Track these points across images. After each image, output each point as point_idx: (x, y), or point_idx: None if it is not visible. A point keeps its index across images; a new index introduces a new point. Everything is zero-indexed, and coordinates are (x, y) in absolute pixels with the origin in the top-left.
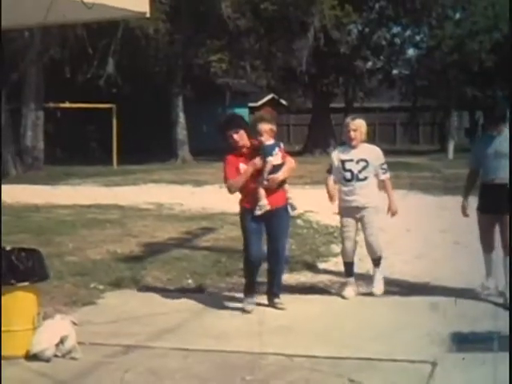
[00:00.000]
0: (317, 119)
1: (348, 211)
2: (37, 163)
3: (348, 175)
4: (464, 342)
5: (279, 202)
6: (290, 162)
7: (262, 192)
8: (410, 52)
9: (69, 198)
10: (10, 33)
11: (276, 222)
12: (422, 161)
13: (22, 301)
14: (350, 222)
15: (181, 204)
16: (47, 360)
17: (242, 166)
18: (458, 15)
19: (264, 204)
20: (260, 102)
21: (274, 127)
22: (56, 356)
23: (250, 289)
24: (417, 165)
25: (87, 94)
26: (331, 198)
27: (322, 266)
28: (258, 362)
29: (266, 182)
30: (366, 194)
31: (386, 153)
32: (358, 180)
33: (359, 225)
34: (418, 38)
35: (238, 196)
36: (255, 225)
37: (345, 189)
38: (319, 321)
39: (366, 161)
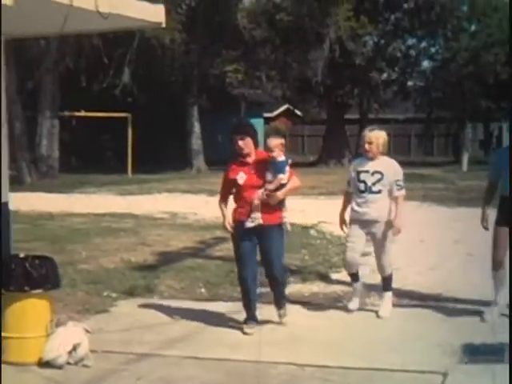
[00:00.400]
0: (331, 130)
1: (357, 223)
2: (52, 171)
3: (362, 186)
4: (475, 353)
5: (272, 220)
6: (294, 181)
7: (257, 204)
8: (425, 64)
9: (83, 206)
10: (27, 41)
11: (268, 241)
12: (436, 172)
13: (35, 308)
14: (356, 233)
15: (195, 213)
16: (60, 367)
17: (241, 175)
18: (473, 27)
19: (257, 217)
20: (275, 113)
21: (283, 141)
22: (68, 363)
23: (248, 307)
24: (431, 176)
25: (103, 103)
26: (341, 224)
27: (334, 276)
28: (269, 371)
29: (266, 197)
30: (378, 207)
31: (401, 164)
32: (371, 192)
33: (369, 238)
34: (433, 49)
35: None
36: (248, 240)
37: (358, 200)
38: (331, 331)
39: (381, 173)
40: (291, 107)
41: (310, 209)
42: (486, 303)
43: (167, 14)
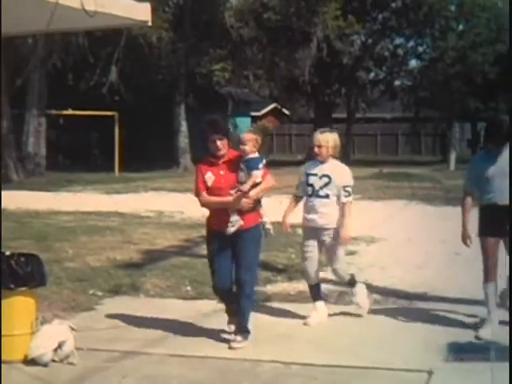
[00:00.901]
0: (318, 129)
1: (309, 230)
2: (39, 169)
3: (309, 190)
4: (461, 351)
5: (247, 222)
6: (268, 180)
7: (235, 210)
8: (413, 63)
9: (70, 204)
10: (14, 39)
11: (242, 244)
12: (424, 171)
13: (20, 305)
14: (311, 241)
15: (181, 212)
16: (45, 365)
17: (209, 176)
18: (461, 27)
19: (236, 219)
20: (263, 112)
21: (258, 137)
22: (54, 361)
23: (229, 314)
24: (418, 175)
25: (90, 101)
26: (284, 227)
27: (321, 274)
28: (255, 369)
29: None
30: (326, 213)
31: (388, 163)
32: (318, 196)
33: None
34: (420, 49)
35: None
36: (224, 248)
37: (306, 205)
38: (317, 329)
39: (329, 177)
40: (279, 106)
41: (297, 207)
42: (472, 302)
43: (154, 13)
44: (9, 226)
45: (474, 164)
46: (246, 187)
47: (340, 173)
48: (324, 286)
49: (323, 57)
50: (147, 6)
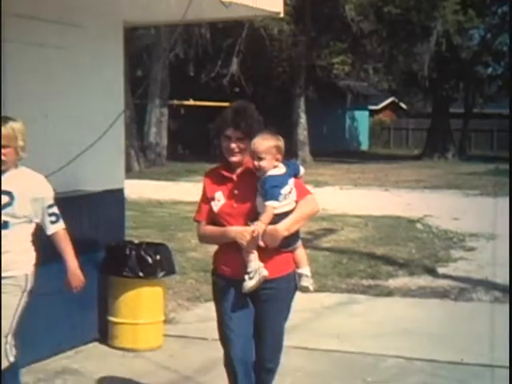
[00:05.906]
0: (436, 124)
1: None
2: (159, 159)
3: None
4: None
5: (278, 270)
6: (307, 203)
7: (253, 252)
8: None
9: (191, 194)
10: (137, 30)
11: (266, 308)
12: None
13: (149, 294)
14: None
15: None
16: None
17: (218, 196)
18: None
19: (256, 268)
20: (380, 105)
21: (280, 143)
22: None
23: None
24: None
25: (210, 92)
26: None
27: (441, 270)
28: (378, 363)
29: (261, 242)
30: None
31: (504, 160)
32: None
33: None
34: None
35: (359, 197)
36: (240, 303)
37: None
38: (439, 325)
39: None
40: (396, 100)
41: (415, 202)
42: None
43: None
44: (131, 215)
45: None
46: (259, 226)
47: (27, 185)
48: (445, 282)
49: (442, 51)
50: None
